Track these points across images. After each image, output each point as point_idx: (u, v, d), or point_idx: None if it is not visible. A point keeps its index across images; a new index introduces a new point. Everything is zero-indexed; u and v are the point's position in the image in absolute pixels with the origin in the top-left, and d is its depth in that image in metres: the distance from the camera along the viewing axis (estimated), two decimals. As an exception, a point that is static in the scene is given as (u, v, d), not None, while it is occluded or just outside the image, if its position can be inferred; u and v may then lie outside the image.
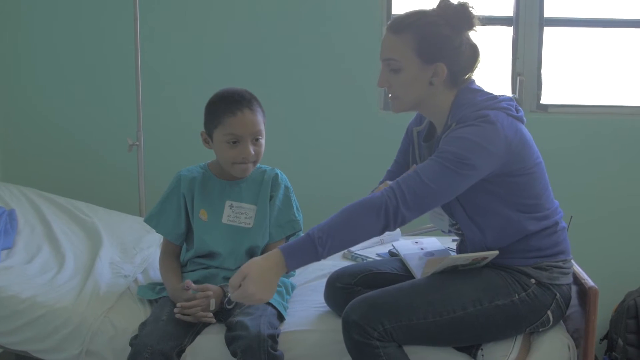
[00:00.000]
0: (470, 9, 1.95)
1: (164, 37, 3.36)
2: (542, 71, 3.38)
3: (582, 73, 3.47)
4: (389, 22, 2.00)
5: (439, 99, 2.00)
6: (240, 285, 1.79)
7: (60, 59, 3.41)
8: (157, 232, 2.32)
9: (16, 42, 3.41)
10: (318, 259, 1.82)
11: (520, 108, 2.01)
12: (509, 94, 3.31)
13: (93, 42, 3.39)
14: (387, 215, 1.81)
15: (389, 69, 1.99)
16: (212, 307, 2.06)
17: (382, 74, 2.01)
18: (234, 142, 2.15)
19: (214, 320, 2.05)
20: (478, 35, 2.00)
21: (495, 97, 1.98)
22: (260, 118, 2.18)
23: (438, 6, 1.98)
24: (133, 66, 3.05)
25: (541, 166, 2.01)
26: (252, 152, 2.16)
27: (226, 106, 2.15)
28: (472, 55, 1.99)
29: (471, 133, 1.86)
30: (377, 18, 3.31)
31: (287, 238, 2.30)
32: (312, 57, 3.35)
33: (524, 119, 2.02)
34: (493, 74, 3.44)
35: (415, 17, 1.96)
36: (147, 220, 2.31)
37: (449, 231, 2.13)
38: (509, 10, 3.38)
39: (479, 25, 1.98)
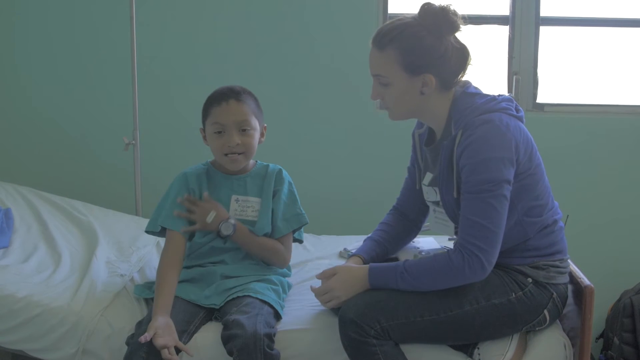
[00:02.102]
0: (451, 13, 1.93)
1: (160, 35, 3.36)
2: (539, 70, 3.38)
3: (579, 72, 3.47)
4: (373, 36, 1.99)
5: (434, 105, 2.00)
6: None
7: (56, 57, 3.40)
8: (173, 229, 2.19)
9: (12, 40, 3.40)
10: (395, 287, 1.94)
11: (520, 108, 2.01)
12: (505, 93, 3.37)
13: (89, 40, 3.38)
14: (475, 275, 1.89)
15: (379, 83, 2.00)
16: (210, 219, 2.16)
17: (373, 88, 2.03)
18: (219, 132, 2.17)
19: (176, 358, 1.92)
20: (465, 34, 1.98)
21: (495, 98, 1.98)
22: (248, 109, 2.18)
23: (419, 13, 1.96)
24: (129, 65, 3.04)
25: (541, 167, 2.01)
26: (238, 142, 2.16)
27: (215, 98, 2.19)
28: (460, 57, 1.97)
29: (484, 150, 1.87)
30: (373, 16, 3.31)
31: (294, 232, 2.31)
32: (308, 56, 3.34)
33: (524, 118, 2.02)
34: (489, 73, 3.44)
35: (398, 30, 1.94)
36: (163, 223, 2.20)
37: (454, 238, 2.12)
38: (505, 9, 3.38)
39: (463, 25, 1.95)
